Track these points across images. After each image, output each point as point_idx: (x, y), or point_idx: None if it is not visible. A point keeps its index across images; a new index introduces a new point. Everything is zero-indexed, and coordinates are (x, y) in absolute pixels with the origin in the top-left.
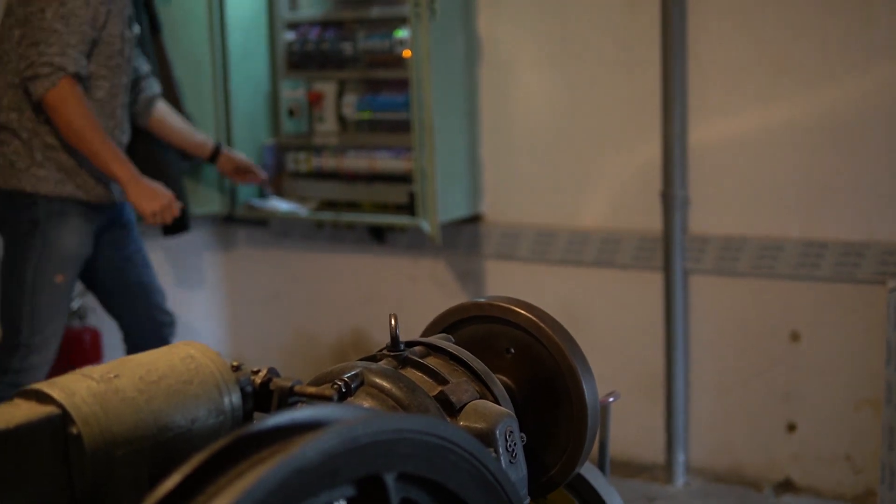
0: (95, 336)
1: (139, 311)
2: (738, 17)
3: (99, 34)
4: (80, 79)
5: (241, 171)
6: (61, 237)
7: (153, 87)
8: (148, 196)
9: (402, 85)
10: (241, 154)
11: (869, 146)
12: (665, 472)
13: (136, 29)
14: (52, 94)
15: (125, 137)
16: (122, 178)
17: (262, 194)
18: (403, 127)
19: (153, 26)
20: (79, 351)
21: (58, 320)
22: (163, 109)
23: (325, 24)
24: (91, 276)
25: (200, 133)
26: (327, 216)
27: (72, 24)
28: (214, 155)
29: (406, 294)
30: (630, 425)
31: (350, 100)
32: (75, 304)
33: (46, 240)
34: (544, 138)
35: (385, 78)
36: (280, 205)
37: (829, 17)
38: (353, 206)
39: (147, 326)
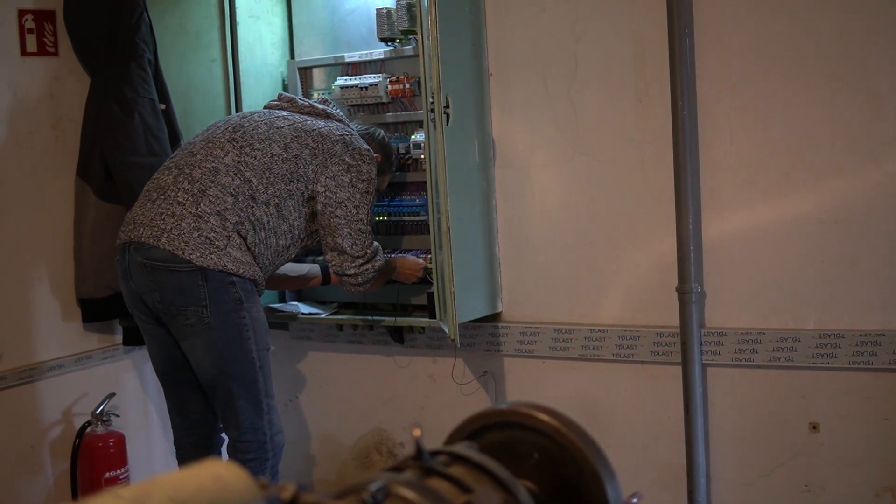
0: (120, 440)
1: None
2: (748, 113)
3: None
4: None
5: None
6: (259, 311)
7: None
8: (411, 270)
9: (419, 187)
10: None
11: (880, 237)
12: None
13: None
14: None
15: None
16: (394, 273)
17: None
18: (421, 228)
19: (161, 98)
20: (103, 455)
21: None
22: None
23: None
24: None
25: (303, 265)
26: (347, 317)
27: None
28: (326, 277)
29: (426, 393)
30: None
31: None
32: (99, 409)
33: (252, 316)
34: (560, 237)
35: (402, 181)
36: (300, 308)
37: (838, 112)
38: (372, 307)
39: (216, 425)
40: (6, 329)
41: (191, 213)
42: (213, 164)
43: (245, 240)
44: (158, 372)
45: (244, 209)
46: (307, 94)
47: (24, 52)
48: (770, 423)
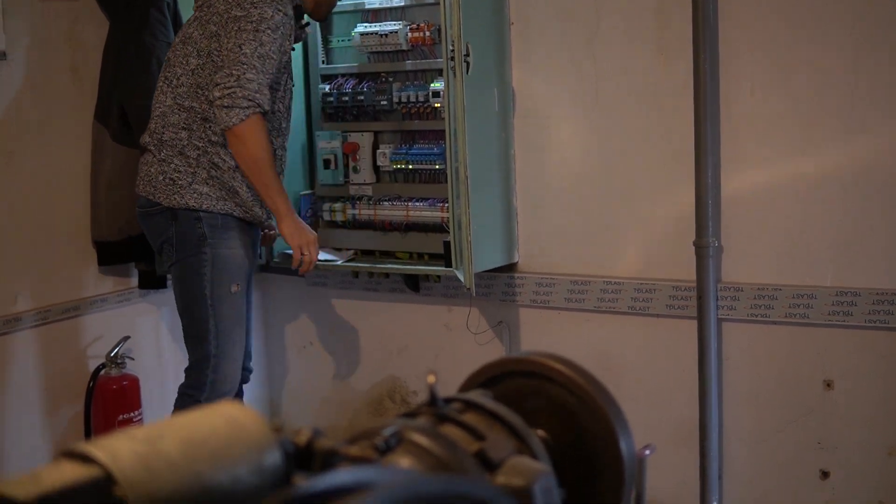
0: (134, 383)
1: None
2: (769, 70)
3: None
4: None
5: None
6: (229, 248)
7: None
8: (299, 231)
9: (437, 136)
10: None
11: None
12: None
13: (293, 81)
14: (243, 126)
15: (282, 177)
16: (283, 211)
17: None
18: (438, 177)
19: None
20: (118, 398)
21: (238, 329)
22: None
23: (360, 76)
24: None
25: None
26: (363, 265)
27: (266, 65)
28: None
29: (441, 342)
30: (664, 474)
31: (385, 151)
32: (114, 351)
33: (216, 252)
34: (578, 188)
35: (420, 129)
36: None
37: (861, 70)
38: (388, 255)
39: None
40: (22, 271)
41: (157, 159)
42: (161, 110)
43: (218, 166)
44: None
45: (202, 136)
46: (326, 41)
47: None
48: (784, 380)
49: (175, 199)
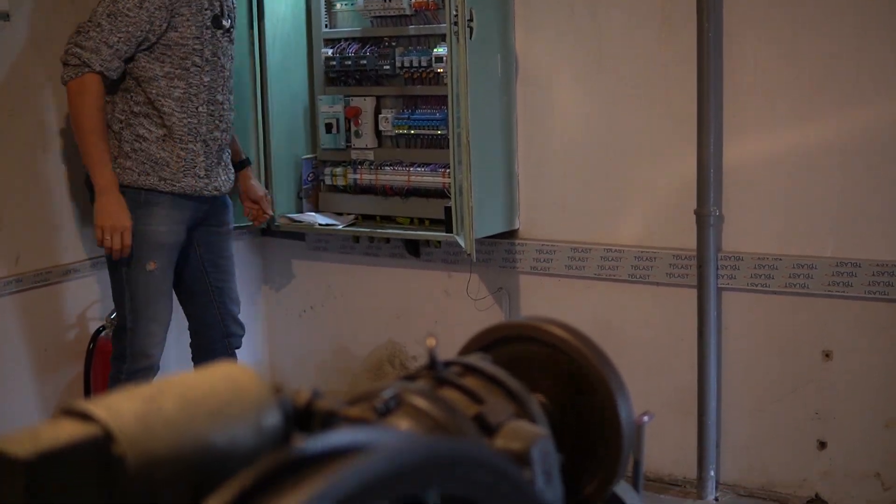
0: None
1: (212, 315)
2: (773, 39)
3: (161, 37)
4: (107, 78)
5: (251, 199)
6: (149, 225)
7: None
8: (107, 212)
9: (440, 101)
10: (261, 186)
11: None
12: (696, 487)
13: (227, 24)
14: (71, 84)
15: (221, 134)
16: (98, 184)
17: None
18: (440, 142)
19: None
20: None
21: (155, 304)
22: None
23: (363, 41)
24: (176, 269)
25: (237, 142)
26: (364, 230)
27: (118, 23)
28: (240, 167)
29: (440, 308)
30: (662, 441)
31: (387, 115)
32: (114, 314)
33: (135, 228)
34: (580, 155)
35: (422, 94)
36: (317, 218)
37: (864, 41)
38: (389, 220)
39: (216, 333)
40: (23, 232)
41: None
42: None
43: (144, 138)
44: None
45: (124, 108)
46: (330, 5)
47: None
48: (783, 350)
49: None
